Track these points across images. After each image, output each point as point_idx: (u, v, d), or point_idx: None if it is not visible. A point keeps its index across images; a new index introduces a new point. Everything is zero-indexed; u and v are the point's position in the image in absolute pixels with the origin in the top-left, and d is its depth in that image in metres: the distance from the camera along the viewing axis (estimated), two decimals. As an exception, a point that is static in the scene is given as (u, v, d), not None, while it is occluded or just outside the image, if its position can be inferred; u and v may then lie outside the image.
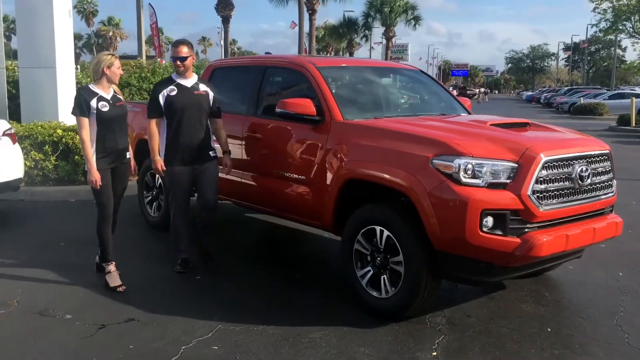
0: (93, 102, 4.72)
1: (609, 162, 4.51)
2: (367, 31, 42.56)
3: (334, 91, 4.98)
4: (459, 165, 3.92)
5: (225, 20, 29.72)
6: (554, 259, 4.40)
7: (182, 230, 5.25)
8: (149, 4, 23.59)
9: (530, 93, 76.26)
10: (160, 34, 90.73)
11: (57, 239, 6.33)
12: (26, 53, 9.77)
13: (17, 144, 7.36)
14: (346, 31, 41.82)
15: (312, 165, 4.85)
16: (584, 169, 4.20)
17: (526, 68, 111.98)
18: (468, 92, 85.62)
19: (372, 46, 51.33)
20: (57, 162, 8.61)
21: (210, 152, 5.25)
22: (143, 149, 6.04)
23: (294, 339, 3.99)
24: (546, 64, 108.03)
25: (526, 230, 3.98)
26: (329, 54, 48.12)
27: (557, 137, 4.69)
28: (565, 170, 4.13)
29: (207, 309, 4.44)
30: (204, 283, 5.06)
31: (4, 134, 7.05)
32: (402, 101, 5.75)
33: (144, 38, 22.03)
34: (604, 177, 4.43)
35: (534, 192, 3.95)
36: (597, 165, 4.37)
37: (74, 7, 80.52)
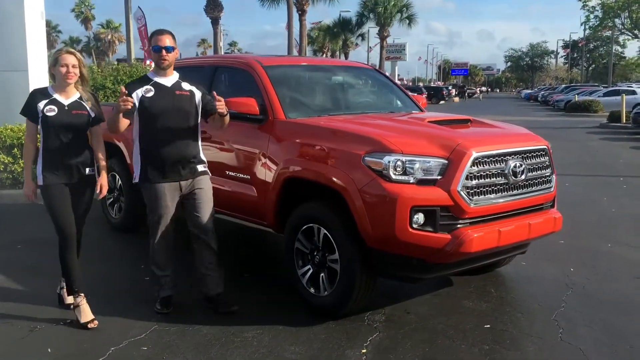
0: (40, 105, 4.07)
1: (546, 158, 4.51)
2: (361, 31, 42.60)
3: (278, 90, 4.97)
4: (389, 162, 3.92)
5: (215, 22, 29.74)
6: (491, 255, 4.39)
7: (162, 260, 4.42)
8: (138, 7, 23.56)
9: (528, 91, 76.22)
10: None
11: (16, 241, 6.35)
12: (-1, 56, 9.78)
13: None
14: (340, 31, 41.83)
15: (256, 164, 4.86)
16: (518, 164, 4.19)
17: (525, 66, 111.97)
18: (468, 91, 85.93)
19: (369, 47, 51.42)
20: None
21: (199, 166, 4.38)
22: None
23: (227, 338, 3.99)
24: (545, 62, 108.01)
25: (457, 226, 3.97)
26: (324, 55, 48.16)
27: (492, 133, 4.69)
28: (498, 166, 4.12)
29: (147, 310, 4.44)
30: (148, 284, 5.06)
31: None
32: (352, 100, 5.74)
33: (132, 41, 22.08)
34: (540, 173, 4.43)
35: (464, 187, 3.94)
36: (533, 160, 4.37)
37: (72, 10, 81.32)
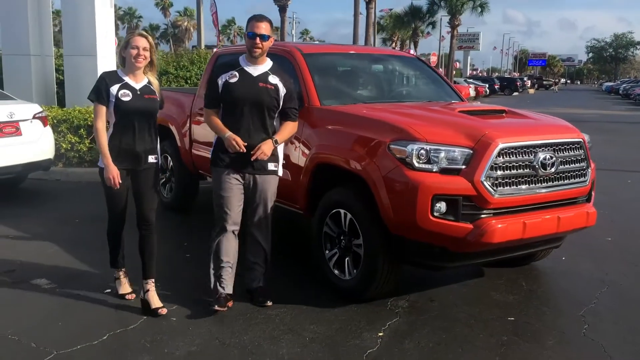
0: (113, 89, 3.97)
1: (581, 151, 4.42)
2: (431, 19, 41.87)
3: (315, 78, 5.08)
4: (412, 150, 3.96)
5: (282, 10, 30.07)
6: (518, 247, 4.36)
7: (222, 246, 4.24)
8: (209, -6, 24.15)
9: (610, 84, 73.00)
10: (232, 24, 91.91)
11: (74, 216, 6.76)
12: (70, 42, 10.36)
13: (48, 126, 7.88)
14: (411, 20, 41.32)
15: (290, 149, 4.98)
16: (548, 157, 4.13)
17: (609, 58, 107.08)
18: (544, 82, 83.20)
19: (441, 35, 50.51)
20: (91, 145, 9.11)
21: (270, 164, 4.21)
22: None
23: (251, 314, 4.16)
24: (630, 54, 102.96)
25: (480, 216, 3.98)
26: (394, 44, 47.74)
27: (524, 124, 4.62)
28: (526, 157, 4.08)
29: (179, 285, 4.67)
30: (181, 262, 5.31)
31: (34, 117, 7.56)
32: (390, 89, 5.77)
33: (203, 28, 22.68)
34: (573, 166, 4.34)
35: (488, 178, 3.93)
36: (565, 153, 4.29)
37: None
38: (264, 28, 4.09)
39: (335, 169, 4.54)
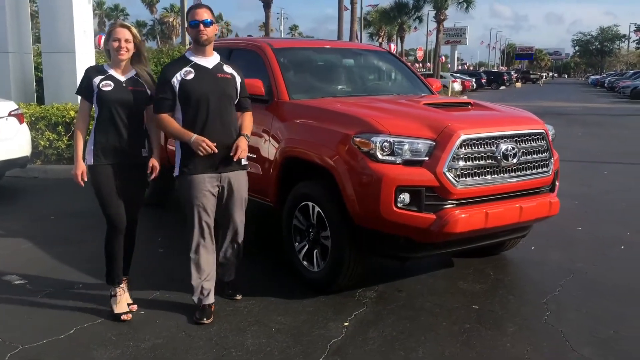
0: (96, 80, 3.86)
1: (544, 142, 4.48)
2: (418, 14, 41.98)
3: (285, 72, 5.12)
4: (376, 142, 4.01)
5: (267, 6, 30.01)
6: (482, 237, 4.43)
7: (202, 258, 4.06)
8: (193, -10, 24.04)
9: (596, 77, 73.41)
10: (219, 20, 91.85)
11: (50, 212, 6.77)
12: (48, 39, 10.31)
13: (24, 123, 7.87)
14: (397, 15, 41.38)
15: (260, 143, 5.03)
16: (510, 147, 4.20)
17: (594, 51, 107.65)
18: (532, 76, 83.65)
19: (429, 30, 50.63)
20: (70, 142, 9.11)
21: (243, 159, 4.06)
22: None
23: (220, 306, 4.18)
24: (616, 47, 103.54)
25: (443, 206, 4.04)
26: (381, 39, 47.80)
27: (487, 116, 4.69)
28: (488, 148, 4.15)
29: (152, 280, 4.71)
30: (152, 258, 5.35)
31: (10, 114, 7.55)
32: (360, 82, 5.82)
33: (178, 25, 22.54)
34: (536, 157, 4.41)
35: (450, 169, 4.00)
36: (528, 144, 4.36)
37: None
38: (205, 15, 3.91)
39: (303, 162, 4.59)
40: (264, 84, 4.93)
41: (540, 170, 4.45)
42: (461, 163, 4.04)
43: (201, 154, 3.82)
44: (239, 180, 4.10)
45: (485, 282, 4.79)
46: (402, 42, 46.19)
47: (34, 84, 11.05)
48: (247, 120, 4.12)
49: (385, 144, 4.01)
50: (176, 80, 3.87)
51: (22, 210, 7.00)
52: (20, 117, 7.76)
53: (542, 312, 4.19)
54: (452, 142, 4.01)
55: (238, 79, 4.06)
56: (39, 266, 5.01)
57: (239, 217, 4.19)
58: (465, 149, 4.06)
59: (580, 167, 10.55)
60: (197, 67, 3.93)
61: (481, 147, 4.13)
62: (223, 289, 4.36)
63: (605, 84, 53.95)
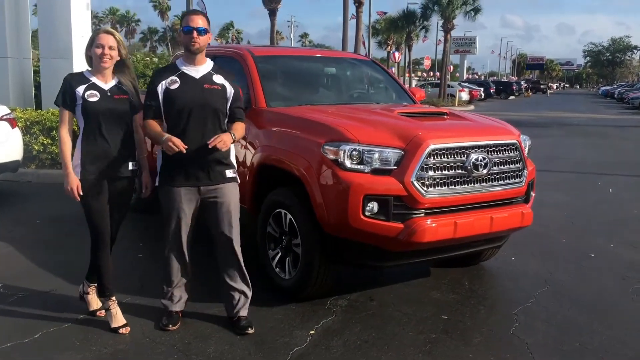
0: (79, 90, 3.71)
1: (517, 152, 4.47)
2: (425, 23, 41.96)
3: (264, 80, 5.15)
4: (344, 151, 4.02)
5: (272, 13, 30.12)
6: (453, 247, 4.42)
7: (174, 266, 4.04)
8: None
9: (606, 88, 73.12)
10: (231, 28, 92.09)
11: (36, 217, 6.83)
12: (46, 44, 10.45)
13: (16, 128, 7.93)
14: (405, 24, 41.37)
15: (239, 149, 5.03)
16: (480, 158, 4.19)
17: (606, 62, 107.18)
18: (541, 86, 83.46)
19: (438, 39, 50.57)
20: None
21: (228, 171, 3.92)
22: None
23: (188, 314, 4.18)
24: (627, 58, 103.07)
25: (411, 216, 4.04)
26: (389, 47, 47.81)
27: (459, 125, 4.69)
28: (458, 158, 4.14)
29: (127, 284, 4.73)
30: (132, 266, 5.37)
31: (1, 119, 7.61)
32: (339, 91, 5.84)
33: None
34: (508, 167, 4.40)
35: (419, 178, 4.00)
36: (500, 155, 4.35)
37: (150, 0, 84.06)
38: (200, 22, 3.77)
39: (276, 170, 4.60)
40: (242, 92, 4.94)
41: (512, 180, 4.44)
42: (430, 172, 4.04)
43: (169, 153, 3.66)
44: (225, 194, 3.90)
45: (459, 292, 4.77)
46: (409, 50, 46.12)
47: (33, 88, 11.17)
48: (238, 125, 3.91)
49: (354, 152, 4.02)
50: (161, 88, 3.79)
51: (9, 214, 7.06)
52: (12, 122, 7.83)
53: (510, 323, 4.17)
54: (421, 151, 4.01)
55: (230, 90, 3.89)
56: (15, 270, 5.05)
57: (228, 230, 3.93)
58: (434, 158, 4.06)
59: (574, 178, 10.50)
60: (184, 77, 3.81)
61: (451, 156, 4.12)
62: (233, 323, 4.02)
63: (615, 95, 53.74)
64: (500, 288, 5.02)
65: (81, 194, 3.73)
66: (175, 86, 3.78)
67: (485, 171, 4.22)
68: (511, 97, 55.90)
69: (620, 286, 4.98)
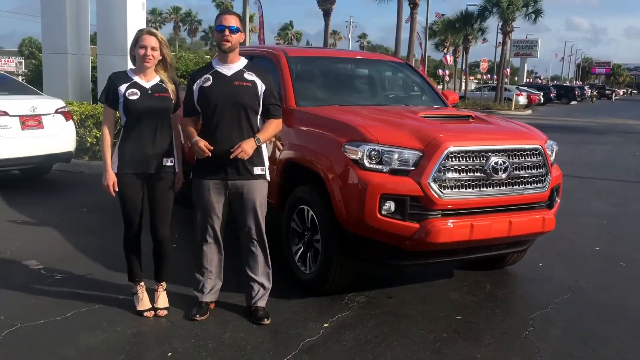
0: (121, 88, 3.90)
1: (540, 158, 4.47)
2: (483, 24, 41.34)
3: (295, 80, 5.30)
4: (364, 150, 4.13)
5: (326, 14, 30.31)
6: (471, 249, 4.45)
7: (205, 257, 4.21)
8: (258, -2, 24.72)
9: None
10: (290, 28, 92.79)
11: (84, 205, 7.22)
12: (103, 41, 10.96)
13: (70, 120, 8.38)
14: (462, 26, 40.85)
15: (269, 147, 5.21)
16: (500, 162, 4.22)
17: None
18: (607, 91, 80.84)
19: (498, 42, 49.62)
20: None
21: (256, 168, 4.01)
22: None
23: (218, 301, 4.35)
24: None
25: (428, 216, 4.11)
26: (446, 49, 47.36)
27: (481, 129, 4.71)
28: (477, 161, 4.19)
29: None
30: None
31: (57, 112, 8.07)
32: (369, 92, 5.92)
33: (248, 31, 23.19)
34: (530, 172, 4.41)
35: (436, 180, 4.07)
36: (521, 159, 4.36)
37: (213, 0, 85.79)
38: (233, 21, 3.90)
39: (300, 167, 4.75)
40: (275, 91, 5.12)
41: (534, 185, 4.44)
42: (448, 174, 4.10)
43: (198, 157, 3.90)
44: (251, 190, 4.01)
45: (479, 294, 4.80)
46: (466, 53, 45.54)
47: (91, 83, 11.70)
48: (269, 127, 4.04)
49: (373, 152, 4.12)
50: (196, 86, 3.97)
51: (59, 202, 7.48)
52: (66, 115, 8.28)
53: (525, 327, 4.18)
54: (439, 153, 4.07)
55: (261, 87, 3.98)
56: (57, 254, 5.38)
57: (252, 224, 4.07)
58: (452, 160, 4.11)
59: (622, 186, 10.23)
60: (216, 75, 3.96)
61: (470, 159, 4.17)
62: (251, 313, 4.18)
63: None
64: (520, 293, 5.01)
65: (117, 190, 3.92)
66: (208, 84, 3.94)
67: (505, 175, 4.25)
68: (573, 103, 54.39)
69: (646, 296, 4.90)
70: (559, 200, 4.80)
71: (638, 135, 22.01)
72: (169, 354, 3.61)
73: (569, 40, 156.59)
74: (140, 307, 4.17)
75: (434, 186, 4.06)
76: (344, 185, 4.21)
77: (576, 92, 57.56)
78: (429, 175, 4.06)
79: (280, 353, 3.68)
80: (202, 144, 3.83)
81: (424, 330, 4.09)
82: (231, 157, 3.85)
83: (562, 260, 5.74)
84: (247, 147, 3.85)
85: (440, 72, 51.84)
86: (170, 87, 4.04)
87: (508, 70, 50.10)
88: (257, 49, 6.27)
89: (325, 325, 4.10)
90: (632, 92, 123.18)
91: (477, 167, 4.19)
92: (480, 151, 4.21)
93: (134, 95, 3.89)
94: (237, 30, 3.94)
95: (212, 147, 3.86)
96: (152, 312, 4.16)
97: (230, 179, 3.99)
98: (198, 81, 3.98)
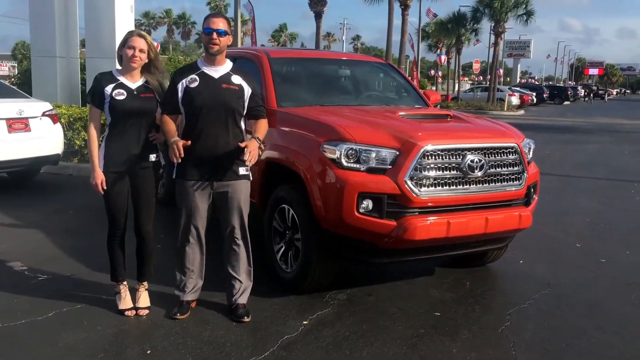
0: (108, 89, 3.94)
1: (516, 156, 4.53)
2: (476, 26, 41.48)
3: (277, 80, 5.36)
4: (342, 149, 4.19)
5: (318, 16, 30.36)
6: (448, 246, 4.51)
7: (187, 257, 4.23)
8: (248, 0, 24.76)
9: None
10: (284, 30, 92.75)
11: (71, 207, 7.26)
12: (91, 44, 10.99)
13: (58, 123, 8.41)
14: (455, 27, 41.00)
15: (250, 148, 5.26)
16: (476, 160, 4.29)
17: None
18: (600, 92, 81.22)
19: (491, 43, 49.79)
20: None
21: (241, 169, 4.05)
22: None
23: (199, 299, 4.40)
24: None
25: (405, 214, 4.17)
26: (439, 50, 47.46)
27: (457, 128, 4.77)
28: (453, 160, 4.25)
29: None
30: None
31: (44, 114, 8.10)
32: (350, 92, 5.99)
33: (240, 33, 23.23)
34: (506, 170, 4.47)
35: (412, 178, 4.13)
36: (497, 157, 4.43)
37: (208, 3, 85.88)
38: (220, 24, 3.92)
39: (281, 167, 4.80)
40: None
41: (510, 183, 4.51)
42: (425, 173, 4.16)
43: (171, 159, 3.85)
44: (236, 190, 4.06)
45: (459, 291, 4.86)
46: (459, 54, 45.70)
47: (80, 86, 11.73)
48: (261, 126, 4.08)
49: (351, 151, 4.18)
50: (181, 86, 3.96)
51: (47, 204, 7.50)
52: (54, 117, 8.31)
53: (501, 323, 4.24)
54: (415, 152, 4.14)
55: (247, 90, 4.04)
56: (42, 255, 5.42)
57: (236, 224, 4.12)
58: (428, 159, 4.18)
59: (608, 184, 10.33)
60: (203, 76, 3.98)
61: (446, 158, 4.24)
62: (231, 310, 4.23)
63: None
64: (500, 289, 5.08)
65: (105, 188, 3.98)
66: (194, 85, 3.95)
67: (480, 173, 4.31)
68: (566, 103, 54.61)
69: (623, 291, 4.97)
70: (536, 198, 4.87)
71: (627, 134, 22.16)
72: (148, 352, 3.66)
73: (562, 41, 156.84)
74: (122, 307, 4.22)
75: (411, 184, 4.12)
76: (322, 184, 4.26)
77: (569, 93, 57.78)
78: (406, 174, 4.12)
79: (259, 350, 3.73)
80: (181, 143, 3.79)
81: (402, 326, 4.15)
82: (247, 164, 3.92)
83: (543, 257, 5.81)
84: (256, 150, 3.88)
85: (433, 72, 51.98)
86: (156, 87, 4.08)
87: (501, 70, 50.34)
88: (240, 50, 6.32)
89: (304, 322, 4.16)
90: (625, 92, 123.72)
91: (454, 165, 4.26)
92: (456, 149, 4.27)
93: (121, 95, 3.93)
94: (225, 33, 3.96)
95: (194, 151, 3.88)
96: (134, 312, 4.20)
97: (216, 179, 4.03)
98: (183, 81, 3.97)
